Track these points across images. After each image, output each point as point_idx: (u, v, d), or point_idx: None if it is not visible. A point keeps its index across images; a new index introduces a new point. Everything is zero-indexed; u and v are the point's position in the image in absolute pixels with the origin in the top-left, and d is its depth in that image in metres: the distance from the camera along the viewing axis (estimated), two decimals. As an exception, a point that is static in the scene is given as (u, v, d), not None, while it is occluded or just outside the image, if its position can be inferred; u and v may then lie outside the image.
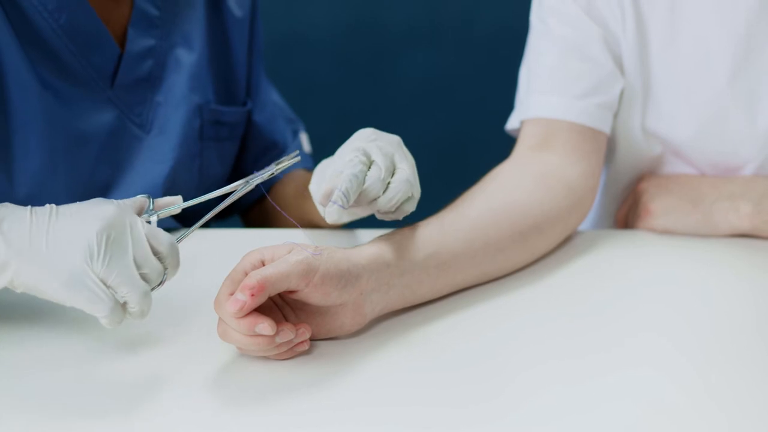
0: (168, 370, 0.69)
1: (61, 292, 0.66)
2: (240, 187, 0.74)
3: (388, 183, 0.78)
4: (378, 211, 0.80)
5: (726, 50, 1.01)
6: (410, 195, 0.80)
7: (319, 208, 0.82)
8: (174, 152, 1.03)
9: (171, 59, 1.03)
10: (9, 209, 0.68)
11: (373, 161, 0.79)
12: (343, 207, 0.75)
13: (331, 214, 0.76)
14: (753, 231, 0.99)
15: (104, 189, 0.98)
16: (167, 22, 1.03)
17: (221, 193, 0.75)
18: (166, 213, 0.73)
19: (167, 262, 0.69)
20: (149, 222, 0.71)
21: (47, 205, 0.68)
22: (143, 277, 0.67)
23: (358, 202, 0.78)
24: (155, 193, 1.01)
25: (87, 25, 0.95)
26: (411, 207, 0.81)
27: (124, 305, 0.67)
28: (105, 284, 0.66)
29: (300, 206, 1.07)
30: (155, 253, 0.69)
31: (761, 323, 0.80)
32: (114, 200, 0.69)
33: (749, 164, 1.04)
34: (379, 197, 0.78)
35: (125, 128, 0.99)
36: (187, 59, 1.05)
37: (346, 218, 0.86)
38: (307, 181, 1.10)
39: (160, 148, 1.02)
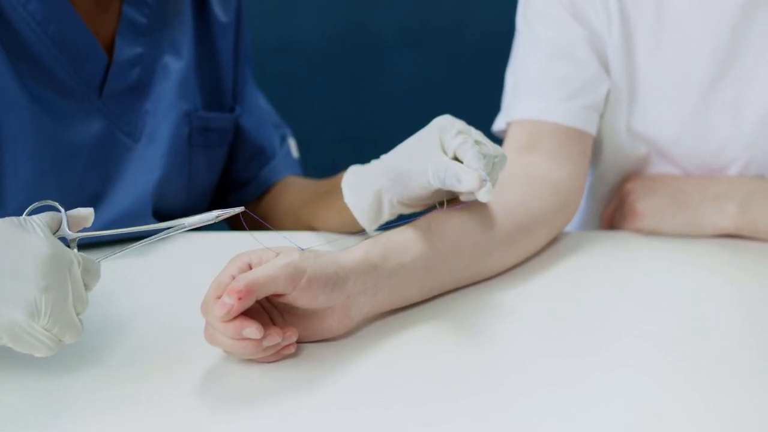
0: (154, 373, 0.69)
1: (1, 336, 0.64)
2: (172, 228, 0.72)
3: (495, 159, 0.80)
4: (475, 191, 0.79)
5: (710, 50, 1.01)
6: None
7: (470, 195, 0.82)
8: (163, 160, 1.02)
9: (159, 67, 1.03)
10: None
11: (479, 142, 0.80)
12: (492, 185, 0.78)
13: (485, 194, 0.76)
14: (737, 231, 1.00)
15: (94, 199, 0.98)
16: (155, 30, 1.02)
17: (149, 228, 0.72)
18: (83, 234, 0.70)
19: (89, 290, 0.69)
20: (76, 246, 0.69)
21: None
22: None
23: None
24: (145, 202, 1.00)
25: (75, 35, 0.94)
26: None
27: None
28: (50, 332, 0.64)
29: (312, 212, 1.04)
30: (85, 285, 0.68)
31: (749, 324, 0.80)
32: (45, 236, 0.65)
33: (734, 164, 1.05)
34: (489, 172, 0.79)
35: (114, 137, 0.99)
36: (175, 66, 1.04)
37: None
38: (310, 187, 1.10)
39: (150, 156, 1.02)
